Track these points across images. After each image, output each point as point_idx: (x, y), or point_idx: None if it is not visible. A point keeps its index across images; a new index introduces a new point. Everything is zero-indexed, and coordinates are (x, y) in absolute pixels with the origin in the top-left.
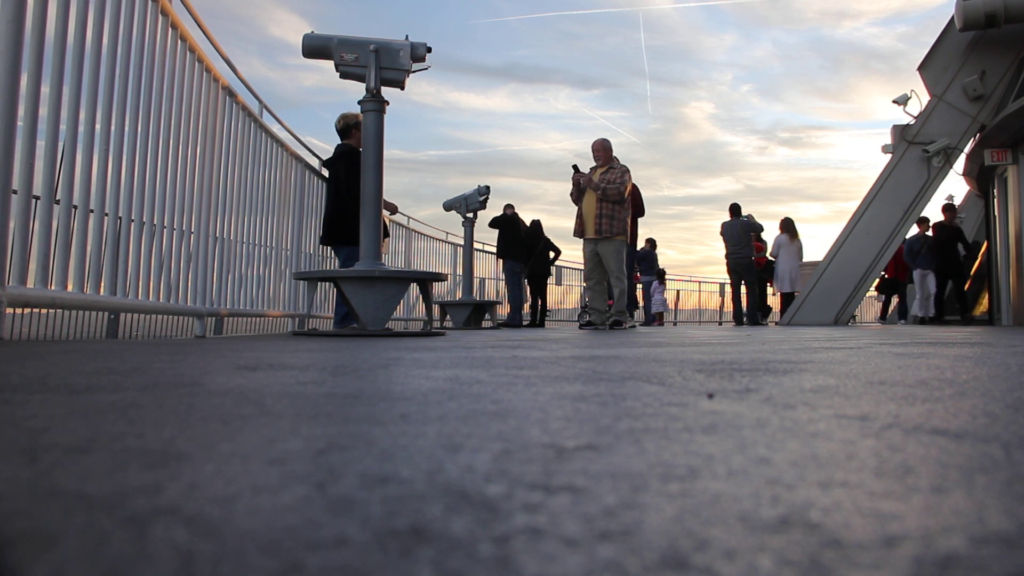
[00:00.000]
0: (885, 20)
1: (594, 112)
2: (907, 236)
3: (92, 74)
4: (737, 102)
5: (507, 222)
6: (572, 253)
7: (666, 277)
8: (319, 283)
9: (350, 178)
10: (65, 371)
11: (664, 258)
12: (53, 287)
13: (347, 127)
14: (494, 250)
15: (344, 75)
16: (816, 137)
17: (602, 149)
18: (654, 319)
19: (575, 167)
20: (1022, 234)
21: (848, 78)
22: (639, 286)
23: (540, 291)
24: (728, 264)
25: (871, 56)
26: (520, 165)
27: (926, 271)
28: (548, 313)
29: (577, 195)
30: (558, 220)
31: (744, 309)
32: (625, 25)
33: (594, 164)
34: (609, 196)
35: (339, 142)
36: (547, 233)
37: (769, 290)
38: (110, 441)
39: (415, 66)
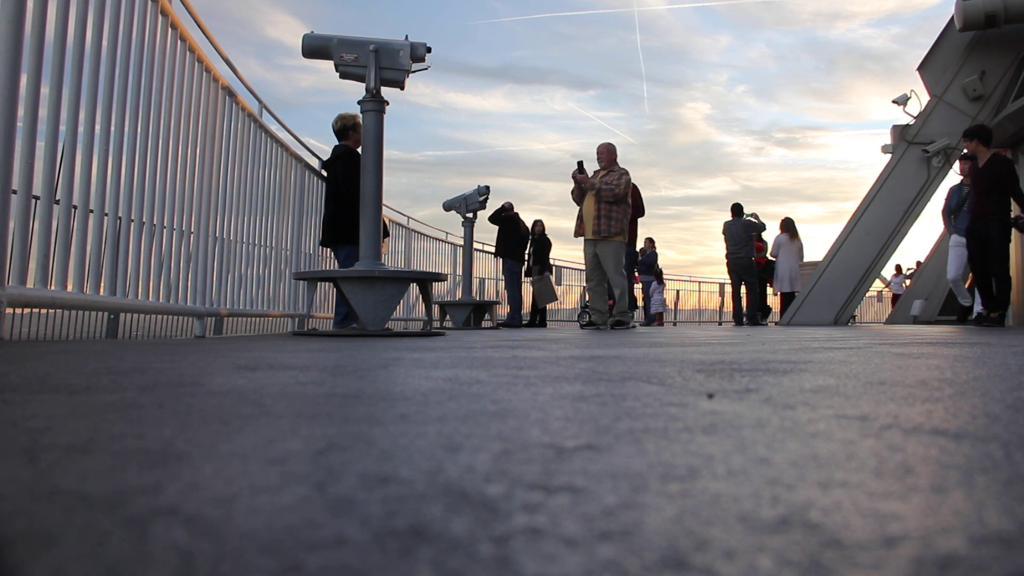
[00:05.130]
0: (879, 21)
1: (590, 113)
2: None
3: (92, 74)
4: (733, 103)
5: (507, 221)
6: (572, 253)
7: (664, 277)
8: (319, 283)
9: (348, 179)
10: (65, 371)
11: (663, 258)
12: (53, 287)
13: (344, 128)
14: (493, 250)
15: (344, 75)
16: (812, 137)
17: (605, 152)
18: (654, 319)
19: (580, 163)
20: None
21: (843, 79)
22: (638, 286)
23: None
24: (728, 264)
25: (865, 57)
26: (517, 165)
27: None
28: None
29: (578, 194)
30: (557, 220)
31: (744, 309)
32: (620, 26)
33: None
34: (603, 196)
35: (336, 143)
36: (548, 234)
37: (769, 290)
38: (110, 441)
39: (415, 66)
